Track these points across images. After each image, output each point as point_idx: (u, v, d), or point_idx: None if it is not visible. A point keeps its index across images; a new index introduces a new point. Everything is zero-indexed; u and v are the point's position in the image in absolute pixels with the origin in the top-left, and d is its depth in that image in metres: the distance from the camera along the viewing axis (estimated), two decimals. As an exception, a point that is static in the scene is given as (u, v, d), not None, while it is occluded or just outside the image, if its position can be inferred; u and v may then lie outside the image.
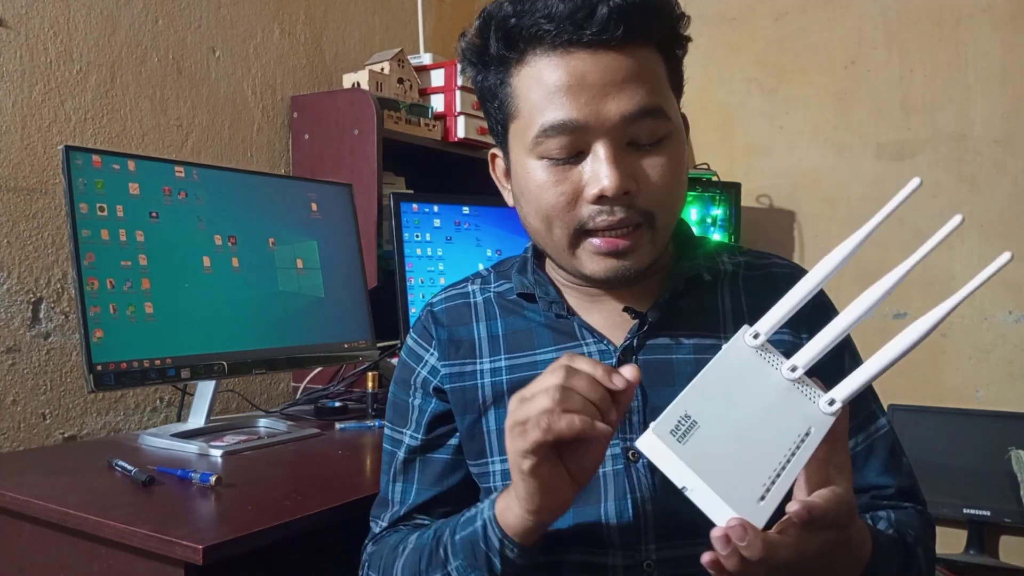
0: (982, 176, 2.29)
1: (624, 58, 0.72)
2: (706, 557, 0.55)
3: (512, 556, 0.69)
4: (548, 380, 0.61)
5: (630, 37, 0.72)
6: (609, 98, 0.72)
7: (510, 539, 0.69)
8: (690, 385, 0.60)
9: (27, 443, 1.49)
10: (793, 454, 0.57)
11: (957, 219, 0.59)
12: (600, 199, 0.73)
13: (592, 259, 0.77)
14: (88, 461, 1.22)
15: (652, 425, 0.56)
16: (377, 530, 0.89)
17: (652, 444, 0.56)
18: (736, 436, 0.58)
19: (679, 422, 0.57)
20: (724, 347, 0.62)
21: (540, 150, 0.75)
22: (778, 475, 0.56)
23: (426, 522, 0.86)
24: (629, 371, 0.61)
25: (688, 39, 0.79)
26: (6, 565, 1.09)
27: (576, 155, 0.74)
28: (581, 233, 0.76)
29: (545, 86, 0.73)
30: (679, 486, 0.56)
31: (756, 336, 0.62)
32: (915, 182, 0.60)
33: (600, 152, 0.73)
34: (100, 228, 1.22)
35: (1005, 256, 0.57)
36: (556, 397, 0.60)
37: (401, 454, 0.88)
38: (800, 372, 0.61)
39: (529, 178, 0.77)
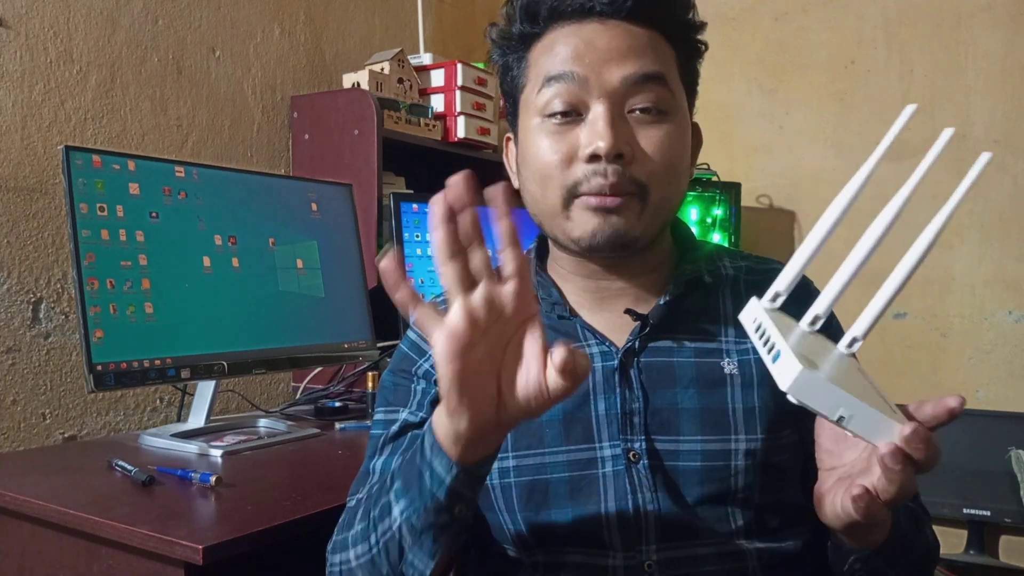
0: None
1: (634, 29, 0.77)
2: (857, 490, 0.55)
3: (441, 470, 0.63)
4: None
5: (639, 14, 0.76)
6: (613, 62, 0.76)
7: (438, 446, 0.63)
8: (778, 337, 0.56)
9: (27, 443, 1.49)
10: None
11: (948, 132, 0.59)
12: (593, 158, 0.75)
13: (582, 217, 0.77)
14: (88, 461, 1.22)
15: (796, 364, 0.52)
16: (352, 504, 0.81)
17: (806, 378, 0.52)
18: (843, 371, 0.55)
19: (803, 358, 0.53)
20: (757, 316, 0.60)
21: (541, 104, 0.78)
22: (884, 397, 0.56)
23: None
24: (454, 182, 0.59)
25: (703, 44, 0.82)
26: (6, 565, 1.09)
27: (576, 114, 0.77)
28: (574, 195, 0.77)
29: (555, 51, 0.78)
30: (833, 418, 0.53)
31: (775, 298, 0.61)
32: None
33: (598, 111, 0.76)
34: (100, 228, 1.22)
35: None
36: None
37: (394, 428, 0.84)
38: (821, 323, 0.59)
39: (531, 141, 0.79)
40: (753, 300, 0.62)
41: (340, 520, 0.82)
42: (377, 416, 0.88)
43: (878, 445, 0.54)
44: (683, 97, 0.80)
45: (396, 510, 0.68)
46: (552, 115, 0.77)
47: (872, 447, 0.57)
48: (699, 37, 0.82)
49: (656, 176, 0.77)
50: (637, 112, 0.76)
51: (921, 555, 0.75)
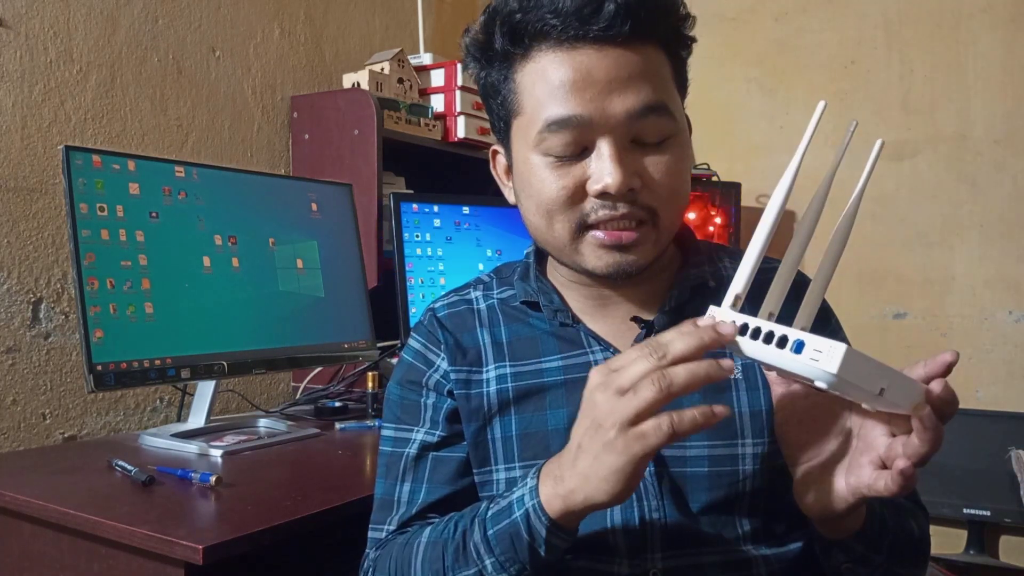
0: (982, 176, 2.29)
1: (630, 55, 0.72)
2: (903, 464, 0.57)
3: (559, 543, 0.67)
4: (640, 366, 0.59)
5: (636, 34, 0.72)
6: (614, 95, 0.72)
7: (558, 526, 0.66)
8: (787, 328, 0.56)
9: (27, 443, 1.49)
10: None
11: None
12: (603, 195, 0.73)
13: (595, 253, 0.76)
14: (88, 461, 1.22)
15: (839, 344, 0.51)
16: (382, 536, 0.83)
17: (852, 355, 0.51)
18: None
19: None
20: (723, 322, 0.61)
21: (544, 147, 0.74)
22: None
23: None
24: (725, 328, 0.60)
25: (693, 39, 0.79)
26: (6, 565, 1.09)
27: (580, 152, 0.74)
28: (583, 227, 0.75)
29: (550, 82, 0.73)
30: (876, 391, 0.53)
31: (735, 303, 0.61)
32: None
33: (604, 149, 0.72)
34: (100, 228, 1.22)
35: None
36: (663, 385, 0.58)
37: (412, 451, 0.84)
38: (776, 315, 0.61)
39: (532, 174, 0.76)
40: (713, 308, 0.62)
41: (373, 557, 0.82)
42: (386, 432, 0.87)
43: (912, 410, 0.55)
44: (680, 108, 0.78)
45: None
46: (555, 155, 0.75)
47: (855, 426, 0.61)
48: (690, 33, 0.79)
49: (665, 199, 0.75)
50: (642, 141, 0.74)
51: (905, 540, 0.75)
